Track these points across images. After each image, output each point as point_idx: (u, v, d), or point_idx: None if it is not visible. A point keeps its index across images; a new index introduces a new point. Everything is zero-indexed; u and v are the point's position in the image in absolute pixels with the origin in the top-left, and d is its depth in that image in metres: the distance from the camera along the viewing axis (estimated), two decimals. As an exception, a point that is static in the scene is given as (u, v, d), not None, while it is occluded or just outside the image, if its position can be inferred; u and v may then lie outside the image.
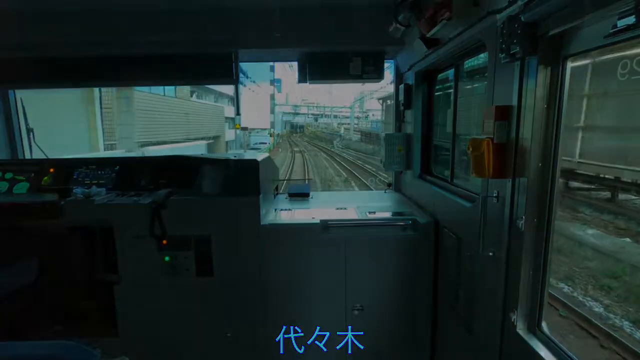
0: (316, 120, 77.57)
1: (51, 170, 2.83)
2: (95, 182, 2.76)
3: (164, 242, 2.41)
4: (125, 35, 2.72)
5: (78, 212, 2.39)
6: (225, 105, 29.84)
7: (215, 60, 2.84)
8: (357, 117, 56.30)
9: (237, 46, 2.81)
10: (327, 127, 68.46)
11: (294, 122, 75.46)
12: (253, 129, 43.93)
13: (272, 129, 45.30)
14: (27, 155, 3.37)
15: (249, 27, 2.76)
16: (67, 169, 2.85)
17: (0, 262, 2.26)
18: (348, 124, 57.92)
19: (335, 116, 71.87)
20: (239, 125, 21.36)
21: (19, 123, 3.31)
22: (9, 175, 2.79)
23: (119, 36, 2.73)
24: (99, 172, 2.84)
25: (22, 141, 3.34)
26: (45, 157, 3.11)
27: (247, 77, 26.17)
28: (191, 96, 23.43)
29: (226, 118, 28.41)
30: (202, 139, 20.72)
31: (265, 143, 35.18)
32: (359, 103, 54.07)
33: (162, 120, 17.37)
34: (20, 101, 3.32)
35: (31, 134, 3.33)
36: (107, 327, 2.50)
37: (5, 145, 3.23)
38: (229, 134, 28.38)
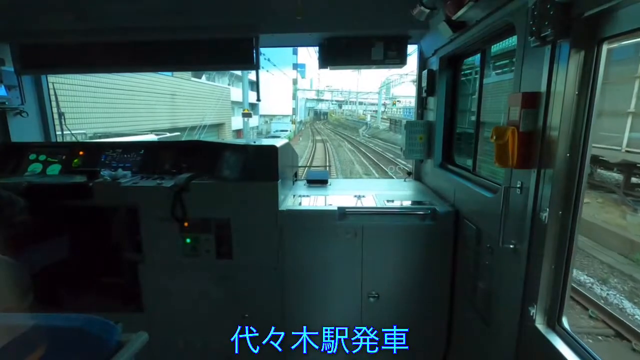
0: (340, 107, 76.06)
1: (81, 153, 2.95)
2: (122, 165, 2.87)
3: (186, 224, 2.49)
4: (143, 20, 2.74)
5: (105, 194, 2.49)
6: (233, 87, 25.69)
7: (236, 46, 2.83)
8: (384, 104, 54.58)
9: (258, 31, 2.78)
10: (352, 114, 66.83)
11: (317, 108, 74.31)
12: (274, 116, 43.13)
13: (293, 116, 44.55)
14: (59, 139, 3.53)
15: (270, 11, 2.73)
16: (96, 152, 2.97)
17: (33, 240, 2.40)
18: (374, 111, 56.08)
19: (361, 103, 70.02)
20: (247, 109, 17.83)
21: (51, 107, 3.46)
22: (42, 157, 2.94)
23: (137, 21, 2.75)
24: (125, 156, 2.95)
25: (54, 125, 3.50)
26: (75, 141, 3.23)
27: (268, 61, 24.17)
28: (199, 77, 20.56)
29: (234, 102, 24.58)
30: (184, 128, 16.05)
31: (286, 130, 34.62)
32: (385, 89, 52.34)
33: (131, 103, 13.41)
34: (52, 86, 3.46)
35: (62, 118, 3.48)
36: (130, 303, 2.62)
37: (39, 129, 3.39)
38: (237, 121, 24.39)
